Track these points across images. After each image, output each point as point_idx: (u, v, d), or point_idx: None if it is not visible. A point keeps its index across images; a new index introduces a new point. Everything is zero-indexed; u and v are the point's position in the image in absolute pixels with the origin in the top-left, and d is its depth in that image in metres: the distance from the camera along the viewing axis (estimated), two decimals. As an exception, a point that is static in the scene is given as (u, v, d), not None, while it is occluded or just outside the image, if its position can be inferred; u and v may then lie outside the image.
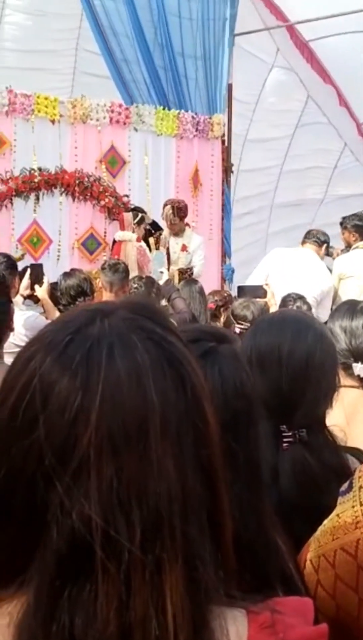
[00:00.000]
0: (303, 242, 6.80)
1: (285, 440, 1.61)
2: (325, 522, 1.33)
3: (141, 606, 0.73)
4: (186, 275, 7.71)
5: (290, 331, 1.68)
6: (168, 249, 7.98)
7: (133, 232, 7.62)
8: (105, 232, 8.29)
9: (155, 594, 0.74)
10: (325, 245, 6.80)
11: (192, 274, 7.88)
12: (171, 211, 7.89)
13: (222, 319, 5.81)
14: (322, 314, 6.16)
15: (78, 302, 5.00)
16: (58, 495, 0.74)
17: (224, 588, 0.81)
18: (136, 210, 7.93)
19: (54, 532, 0.74)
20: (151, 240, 7.91)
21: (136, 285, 5.60)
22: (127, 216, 7.79)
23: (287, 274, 6.17)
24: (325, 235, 6.85)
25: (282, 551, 1.25)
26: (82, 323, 0.80)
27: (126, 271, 5.78)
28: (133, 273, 6.42)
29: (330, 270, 6.81)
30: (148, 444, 0.75)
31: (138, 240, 7.55)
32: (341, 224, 7.35)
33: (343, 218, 7.36)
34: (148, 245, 7.79)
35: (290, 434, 1.61)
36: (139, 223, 7.68)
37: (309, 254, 6.63)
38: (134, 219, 7.65)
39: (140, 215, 7.76)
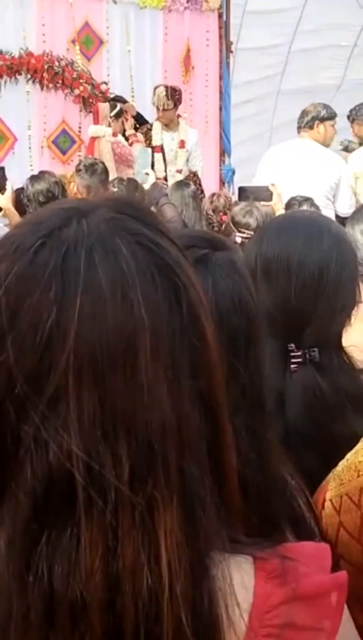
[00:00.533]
0: (298, 131, 6.45)
1: (293, 361, 1.63)
2: (348, 455, 1.34)
3: (130, 553, 0.74)
4: (195, 179, 7.63)
5: (301, 236, 1.69)
6: (160, 146, 7.89)
7: (109, 126, 7.53)
8: (80, 128, 8.21)
9: (147, 538, 0.74)
10: (322, 122, 6.30)
11: (198, 177, 7.81)
12: (164, 93, 7.76)
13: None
14: (342, 210, 6.08)
15: (48, 208, 4.97)
16: (32, 427, 0.74)
17: (228, 532, 0.81)
18: (116, 100, 7.84)
19: (28, 470, 0.74)
20: (140, 135, 7.80)
21: (116, 189, 5.55)
22: (103, 107, 7.69)
23: (286, 175, 5.86)
24: (319, 109, 6.34)
25: (291, 488, 1.27)
26: (56, 224, 0.79)
27: (105, 172, 5.75)
28: (112, 175, 6.35)
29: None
30: (136, 367, 0.75)
31: (114, 134, 7.46)
32: (348, 117, 7.20)
33: (351, 110, 7.21)
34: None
35: (299, 353, 1.63)
36: (116, 116, 7.57)
37: (305, 144, 6.31)
38: (111, 111, 7.56)
39: (118, 106, 7.66)
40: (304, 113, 6.35)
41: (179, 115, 8.09)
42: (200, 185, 7.52)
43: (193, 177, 7.78)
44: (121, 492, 0.73)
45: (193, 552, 0.76)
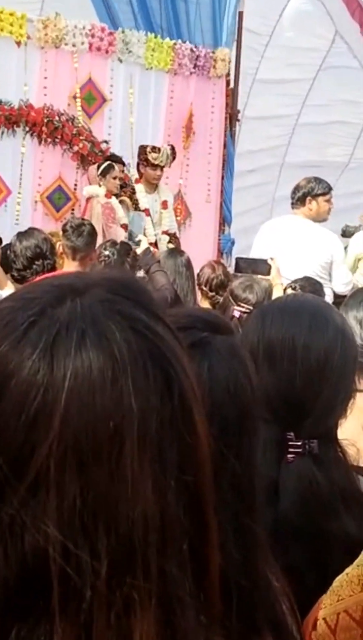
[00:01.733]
0: (292, 206, 6.51)
1: (291, 450, 1.63)
2: (349, 569, 1.32)
3: None
4: (174, 239, 7.70)
5: (307, 321, 1.71)
6: (148, 210, 8.00)
7: (100, 186, 7.57)
8: (76, 185, 8.26)
9: None
10: (315, 198, 6.34)
11: (177, 239, 7.87)
12: (170, 151, 7.86)
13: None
14: (339, 289, 6.08)
15: (36, 265, 4.97)
16: (10, 511, 0.73)
17: (206, 635, 0.81)
18: (111, 159, 7.88)
19: (1, 560, 0.74)
20: (125, 199, 7.87)
21: (107, 253, 5.58)
22: (91, 170, 7.76)
23: (278, 252, 5.85)
24: (311, 185, 6.35)
25: (275, 591, 1.25)
26: (49, 302, 0.80)
27: (93, 234, 5.73)
28: (102, 237, 6.38)
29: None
30: (121, 458, 0.75)
31: (107, 195, 7.49)
32: None
33: None
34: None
35: (299, 443, 1.63)
36: (103, 174, 7.57)
37: (296, 221, 6.37)
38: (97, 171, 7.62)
39: (105, 163, 7.67)
40: (297, 188, 6.41)
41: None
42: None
43: (174, 238, 7.86)
44: (97, 590, 0.73)
45: None
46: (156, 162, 7.88)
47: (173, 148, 8.04)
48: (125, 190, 7.99)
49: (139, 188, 8.03)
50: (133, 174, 8.34)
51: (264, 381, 1.55)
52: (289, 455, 1.62)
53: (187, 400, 0.81)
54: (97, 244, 5.88)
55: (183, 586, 0.78)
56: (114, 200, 7.49)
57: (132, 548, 0.74)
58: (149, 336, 0.80)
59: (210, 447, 0.84)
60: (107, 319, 0.79)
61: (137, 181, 8.12)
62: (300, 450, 1.62)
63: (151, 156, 7.88)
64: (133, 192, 8.05)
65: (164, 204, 8.15)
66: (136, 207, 7.93)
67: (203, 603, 0.81)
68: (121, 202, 7.81)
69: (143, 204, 8.01)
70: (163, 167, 7.96)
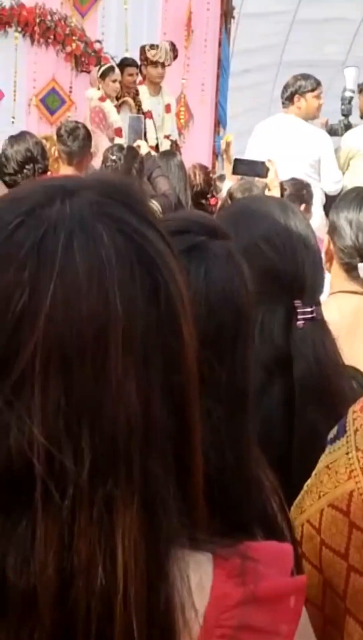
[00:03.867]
0: (282, 105, 6.46)
1: (302, 317, 1.67)
2: (309, 481, 1.35)
3: (85, 549, 0.74)
4: (175, 146, 7.64)
5: (278, 211, 1.77)
6: (150, 112, 7.85)
7: (98, 89, 7.47)
8: (71, 87, 8.18)
9: (103, 537, 0.75)
10: (303, 95, 6.29)
11: (177, 145, 7.80)
12: (170, 47, 7.73)
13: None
14: (328, 188, 6.05)
15: (26, 169, 4.94)
16: None
17: (190, 533, 0.82)
18: (124, 63, 7.79)
19: None
20: (129, 100, 7.77)
21: (114, 157, 5.47)
22: (93, 72, 7.65)
23: (270, 152, 5.67)
24: (299, 83, 6.30)
25: (266, 490, 1.27)
26: (38, 202, 0.79)
27: (88, 137, 5.68)
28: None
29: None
30: (106, 360, 0.75)
31: (102, 99, 7.39)
32: (360, 90, 7.18)
33: (360, 84, 7.18)
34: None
35: (308, 309, 1.68)
36: (102, 76, 7.44)
37: (286, 120, 6.29)
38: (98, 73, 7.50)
39: (105, 65, 7.55)
40: (285, 87, 6.33)
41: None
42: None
43: (175, 145, 7.78)
44: (80, 488, 0.74)
45: (150, 555, 0.77)
46: (155, 59, 7.72)
47: (172, 44, 7.87)
48: (129, 91, 7.88)
49: (143, 90, 7.89)
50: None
51: (266, 262, 1.64)
52: (299, 322, 1.66)
53: (174, 306, 0.81)
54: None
55: (166, 488, 0.78)
56: (107, 104, 7.39)
57: (116, 448, 0.75)
58: (137, 240, 0.80)
59: (197, 353, 0.84)
60: (95, 221, 0.78)
61: (140, 83, 7.97)
62: (310, 315, 1.67)
63: (150, 53, 7.73)
64: (137, 93, 7.91)
65: (168, 108, 8.03)
66: (139, 109, 7.81)
67: (186, 503, 0.82)
68: (123, 103, 7.71)
69: (145, 106, 7.87)
70: (164, 64, 7.80)
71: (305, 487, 1.35)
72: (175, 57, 7.93)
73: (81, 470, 0.74)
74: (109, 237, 0.78)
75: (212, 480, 1.00)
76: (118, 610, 0.75)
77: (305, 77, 6.37)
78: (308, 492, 1.33)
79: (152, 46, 7.79)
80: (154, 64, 7.78)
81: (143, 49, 7.88)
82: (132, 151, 5.63)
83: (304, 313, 1.67)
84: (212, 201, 5.95)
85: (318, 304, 1.72)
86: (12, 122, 7.67)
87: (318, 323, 1.69)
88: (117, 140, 7.01)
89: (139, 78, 8.00)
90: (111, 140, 7.13)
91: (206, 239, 1.26)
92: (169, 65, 7.83)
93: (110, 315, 0.75)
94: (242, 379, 1.24)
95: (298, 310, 1.67)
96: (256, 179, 5.07)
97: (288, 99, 6.28)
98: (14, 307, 0.74)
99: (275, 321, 1.66)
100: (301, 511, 1.33)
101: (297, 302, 1.67)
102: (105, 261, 0.76)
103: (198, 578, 0.81)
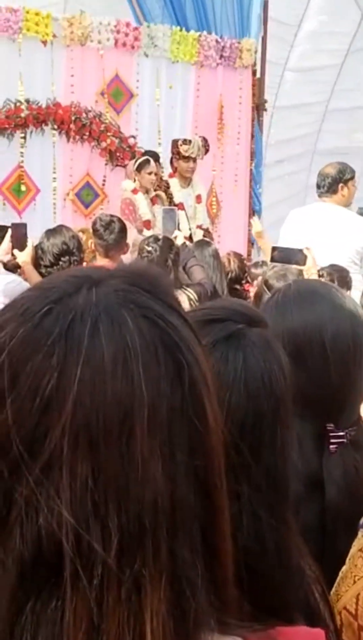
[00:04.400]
0: (319, 195, 6.34)
1: (334, 441, 1.65)
2: (343, 567, 1.37)
3: (114, 630, 0.75)
4: (207, 233, 7.79)
5: (326, 306, 1.70)
6: (182, 204, 8.02)
7: (134, 181, 7.65)
8: (104, 181, 8.39)
9: (132, 617, 0.75)
10: (346, 184, 6.19)
11: (209, 233, 7.94)
12: (202, 143, 7.87)
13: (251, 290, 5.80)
14: None
15: (62, 262, 5.04)
16: (25, 491, 0.76)
17: (218, 615, 0.82)
18: (147, 155, 7.95)
19: (17, 535, 0.76)
20: (161, 193, 7.95)
21: (150, 248, 5.48)
22: (129, 165, 7.84)
23: (310, 240, 5.72)
24: (341, 170, 6.19)
25: (307, 578, 1.29)
26: (66, 291, 0.82)
27: (124, 230, 5.77)
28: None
29: None
30: (131, 441, 0.76)
31: (134, 191, 7.55)
32: None
33: None
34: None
35: (341, 433, 1.65)
36: (138, 169, 7.62)
37: (328, 209, 6.20)
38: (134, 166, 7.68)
39: (141, 158, 7.72)
40: (324, 176, 6.26)
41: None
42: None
43: (207, 233, 7.91)
44: (108, 567, 0.75)
45: (179, 636, 0.77)
46: (187, 154, 7.90)
47: (204, 139, 8.08)
48: (160, 185, 8.05)
49: (173, 182, 8.07)
50: (164, 167, 8.39)
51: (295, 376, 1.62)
52: (332, 446, 1.63)
53: (197, 388, 0.82)
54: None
55: (194, 568, 0.79)
56: (138, 197, 7.55)
57: (142, 528, 0.76)
58: (161, 325, 0.81)
59: (222, 436, 0.85)
60: (120, 308, 0.80)
61: (171, 175, 8.16)
62: (342, 440, 1.63)
63: (183, 148, 7.91)
64: (168, 186, 8.09)
65: (199, 198, 8.19)
66: (171, 202, 7.97)
67: (215, 586, 0.82)
68: (156, 196, 7.87)
69: (177, 198, 8.05)
70: (195, 159, 7.99)
71: (340, 574, 1.37)
72: (207, 151, 8.10)
73: (108, 549, 0.75)
74: (133, 322, 0.80)
75: (251, 567, 1.04)
76: None
77: (344, 165, 6.35)
78: (343, 579, 1.35)
79: (185, 141, 7.97)
80: (186, 158, 7.96)
81: (174, 143, 8.07)
82: (168, 242, 5.64)
83: (336, 437, 1.64)
84: (246, 287, 6.04)
85: (353, 424, 1.66)
86: (54, 215, 7.83)
87: (352, 445, 1.65)
88: (146, 233, 7.11)
89: (168, 170, 8.20)
90: (140, 232, 7.25)
91: (244, 327, 1.27)
92: (201, 159, 8.00)
93: (135, 398, 0.77)
94: (282, 467, 1.25)
95: (331, 434, 1.64)
96: (292, 266, 5.14)
97: (330, 187, 6.22)
98: (42, 392, 0.76)
99: (307, 437, 1.64)
100: (338, 599, 1.35)
101: (330, 426, 1.65)
102: (130, 346, 0.78)
103: None
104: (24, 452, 0.76)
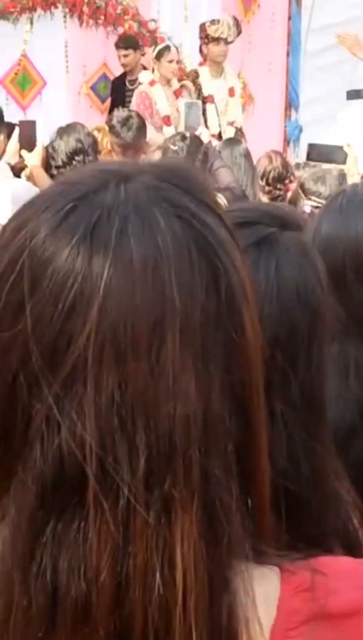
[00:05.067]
0: None
1: None
2: None
3: (142, 554, 0.76)
4: (241, 134, 7.70)
5: None
6: (212, 96, 7.88)
7: (153, 71, 7.54)
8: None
9: (161, 541, 0.76)
10: None
11: (243, 134, 7.84)
12: (232, 22, 7.74)
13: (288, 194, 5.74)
14: None
15: (76, 161, 4.98)
16: (45, 405, 0.77)
17: (254, 543, 0.83)
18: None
19: (37, 453, 0.77)
20: (188, 84, 7.83)
21: (175, 148, 5.48)
22: (147, 52, 7.77)
23: None
24: None
25: (346, 505, 1.28)
26: (91, 187, 0.82)
27: (143, 126, 5.72)
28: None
29: None
30: (162, 352, 0.77)
31: (151, 83, 7.43)
32: None
33: None
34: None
35: None
36: (158, 57, 7.50)
37: None
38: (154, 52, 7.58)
39: (161, 45, 7.62)
40: None
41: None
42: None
43: (241, 133, 7.80)
44: (135, 488, 0.76)
45: (212, 562, 0.78)
46: (216, 35, 7.76)
47: (235, 19, 7.94)
48: (188, 74, 7.95)
49: (204, 71, 7.94)
50: (186, 56, 8.24)
51: (356, 292, 1.67)
52: None
53: (235, 297, 0.83)
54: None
55: (228, 491, 0.80)
56: (156, 89, 7.45)
57: (173, 446, 0.77)
58: (196, 226, 0.82)
59: (262, 351, 0.86)
60: (152, 206, 0.81)
61: (201, 64, 8.04)
62: None
63: (211, 29, 7.78)
64: (196, 76, 7.97)
65: (231, 91, 8.06)
66: (199, 94, 7.87)
67: (252, 513, 0.84)
68: (182, 87, 7.77)
69: (206, 90, 7.93)
70: (227, 40, 7.82)
71: None
72: (239, 33, 7.96)
73: (136, 469, 0.76)
74: (166, 223, 0.80)
75: (287, 492, 1.05)
76: (177, 622, 0.77)
77: None
78: None
79: (213, 22, 7.87)
80: (216, 40, 7.82)
81: (202, 26, 7.94)
82: (195, 140, 5.64)
83: None
84: (289, 186, 5.94)
85: None
86: (66, 111, 7.73)
87: None
88: (166, 130, 7.07)
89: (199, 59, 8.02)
90: (159, 129, 7.16)
91: (277, 231, 1.27)
92: (231, 42, 7.86)
93: (166, 305, 0.78)
94: (318, 386, 1.26)
95: None
96: (331, 165, 5.06)
97: None
98: (65, 297, 0.77)
99: (358, 368, 1.67)
100: None
101: None
102: (161, 248, 0.79)
103: (264, 592, 0.82)
104: (43, 364, 0.77)
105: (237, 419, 0.82)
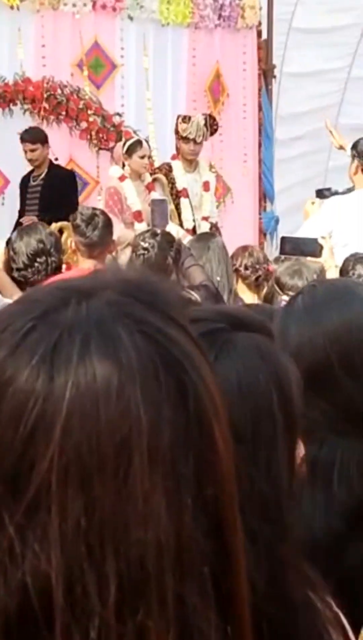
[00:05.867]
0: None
1: None
2: None
3: None
4: (216, 229, 7.74)
5: None
6: (185, 190, 7.96)
7: (123, 167, 7.60)
8: (98, 167, 8.40)
9: None
10: None
11: (218, 229, 7.89)
12: (204, 122, 7.81)
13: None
14: None
15: (38, 263, 4.96)
16: (6, 536, 0.76)
17: None
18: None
19: (1, 586, 0.76)
20: (160, 177, 7.89)
21: (146, 245, 5.41)
22: (117, 148, 7.81)
23: (349, 230, 5.94)
24: None
25: (322, 617, 1.28)
26: (51, 305, 0.83)
27: (109, 224, 5.70)
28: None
29: None
30: (130, 474, 0.77)
31: (121, 178, 7.49)
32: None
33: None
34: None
35: None
36: (128, 152, 7.56)
37: None
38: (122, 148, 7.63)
39: (132, 139, 7.68)
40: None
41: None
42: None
43: (216, 229, 7.83)
44: (106, 619, 0.75)
45: None
46: (185, 134, 7.82)
47: (211, 117, 8.02)
48: (160, 168, 8.02)
49: (176, 165, 7.99)
50: (154, 149, 8.34)
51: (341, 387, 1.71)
52: None
53: (204, 412, 0.83)
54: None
55: (205, 619, 0.79)
56: (126, 184, 7.47)
57: (145, 573, 0.77)
58: (161, 341, 0.82)
59: (233, 464, 0.86)
60: (114, 322, 0.82)
61: (174, 157, 8.09)
62: None
63: (181, 127, 7.85)
64: (170, 169, 8.03)
65: (206, 185, 8.13)
66: (173, 187, 7.93)
67: (230, 637, 0.83)
68: (155, 181, 7.84)
69: (180, 184, 7.98)
70: (196, 142, 7.88)
71: None
72: (214, 131, 8.03)
73: (106, 599, 0.75)
74: (129, 339, 0.81)
75: (269, 617, 1.06)
76: None
77: None
78: None
79: (184, 118, 7.93)
80: (185, 139, 7.87)
81: (177, 119, 8.01)
82: (167, 237, 5.61)
83: None
84: (270, 268, 5.96)
85: None
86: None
87: None
88: (137, 226, 7.08)
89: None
90: (130, 225, 7.20)
91: (226, 328, 1.30)
92: (200, 143, 7.90)
93: (132, 424, 0.78)
94: (270, 488, 1.25)
95: None
96: (309, 259, 5.08)
97: None
98: (26, 419, 0.77)
99: (353, 461, 1.69)
100: None
101: None
102: (125, 365, 0.79)
103: None
104: (4, 492, 0.77)
105: (212, 540, 0.81)
